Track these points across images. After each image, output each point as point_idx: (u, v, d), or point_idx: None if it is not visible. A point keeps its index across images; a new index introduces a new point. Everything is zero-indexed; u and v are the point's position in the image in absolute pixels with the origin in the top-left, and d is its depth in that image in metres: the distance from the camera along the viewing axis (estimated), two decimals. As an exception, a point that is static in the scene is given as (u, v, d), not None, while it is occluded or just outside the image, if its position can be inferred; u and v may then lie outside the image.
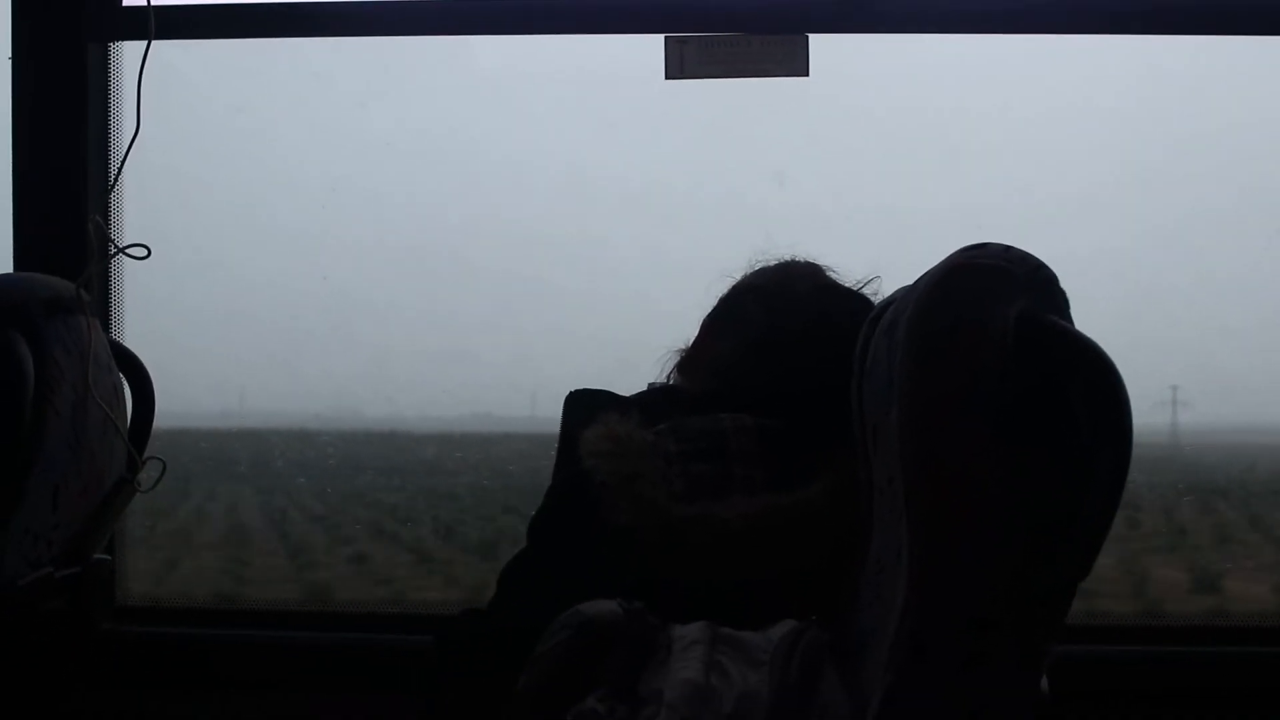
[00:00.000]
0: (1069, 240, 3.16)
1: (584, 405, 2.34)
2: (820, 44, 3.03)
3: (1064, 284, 1.93)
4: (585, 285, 3.38)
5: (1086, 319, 1.90)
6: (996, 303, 1.81)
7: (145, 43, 2.90)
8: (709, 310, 2.51)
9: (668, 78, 3.05)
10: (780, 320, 2.38)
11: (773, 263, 2.52)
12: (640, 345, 2.72)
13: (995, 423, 1.77)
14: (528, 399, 3.39)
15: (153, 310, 3.22)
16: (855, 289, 2.46)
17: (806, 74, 3.03)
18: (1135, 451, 1.76)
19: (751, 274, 2.51)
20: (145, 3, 2.95)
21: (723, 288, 2.52)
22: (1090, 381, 1.78)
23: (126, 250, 2.85)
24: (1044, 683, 1.84)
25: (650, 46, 3.06)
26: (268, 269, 3.43)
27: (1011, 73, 3.23)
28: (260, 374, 3.52)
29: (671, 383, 2.51)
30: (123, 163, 2.94)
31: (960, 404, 1.78)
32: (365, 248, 3.41)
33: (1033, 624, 1.79)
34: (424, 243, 3.40)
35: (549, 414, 2.47)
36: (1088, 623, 3.06)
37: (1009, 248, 1.89)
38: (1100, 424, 1.76)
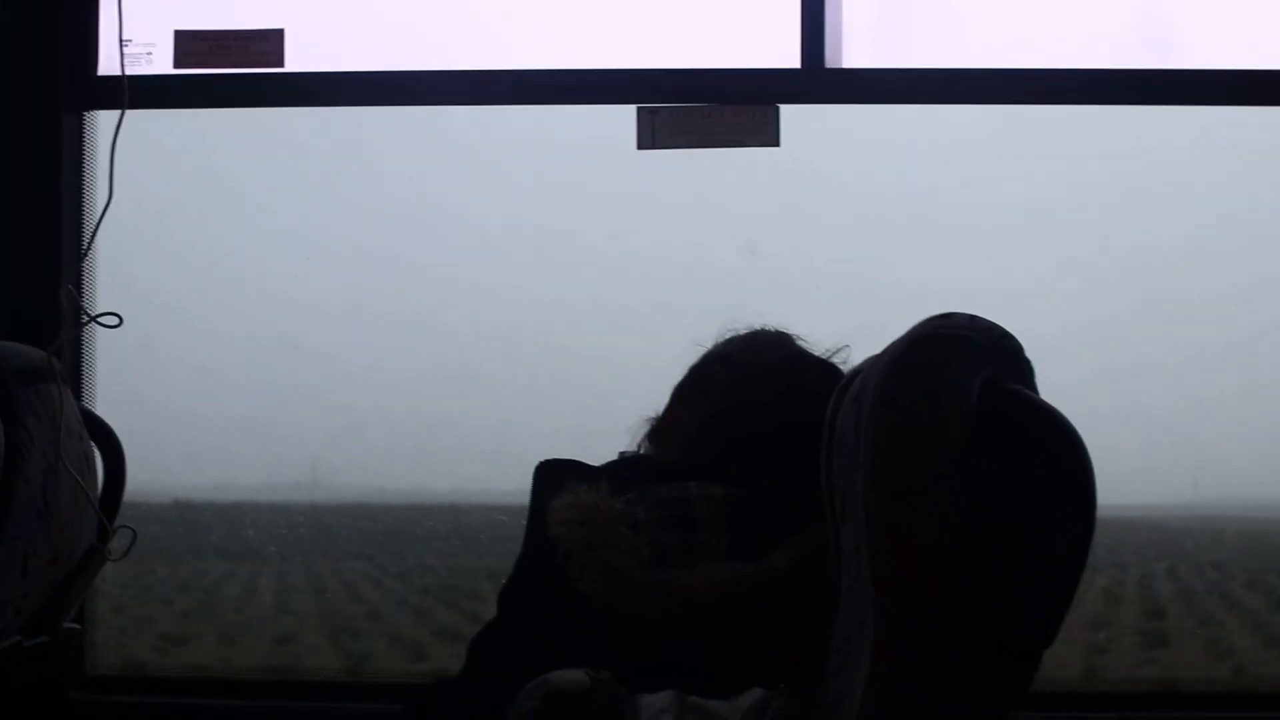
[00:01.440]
0: (1040, 312, 3.18)
1: (553, 474, 2.34)
2: (790, 114, 3.05)
3: (1030, 355, 1.95)
4: (557, 351, 3.38)
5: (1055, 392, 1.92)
6: (962, 372, 1.83)
7: (119, 112, 2.91)
8: (679, 379, 2.52)
9: (640, 148, 3.07)
10: (749, 389, 2.39)
11: (742, 332, 2.53)
12: (610, 411, 2.72)
13: (960, 491, 1.78)
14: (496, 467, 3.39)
15: (125, 378, 3.22)
16: (825, 358, 2.46)
17: (777, 144, 3.05)
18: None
19: (721, 343, 2.52)
20: (120, 73, 2.97)
21: (693, 357, 2.52)
22: (1054, 450, 1.79)
23: (99, 319, 2.86)
24: (1009, 749, 1.85)
25: (623, 116, 3.08)
26: (241, 336, 3.43)
27: (983, 143, 3.26)
28: (234, 441, 3.51)
29: (641, 451, 2.52)
30: (95, 231, 2.95)
31: (926, 472, 1.79)
32: (338, 314, 3.42)
33: (998, 690, 1.79)
34: (395, 308, 3.41)
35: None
36: (1051, 690, 3.05)
37: (974, 317, 1.90)
38: (1064, 492, 1.77)
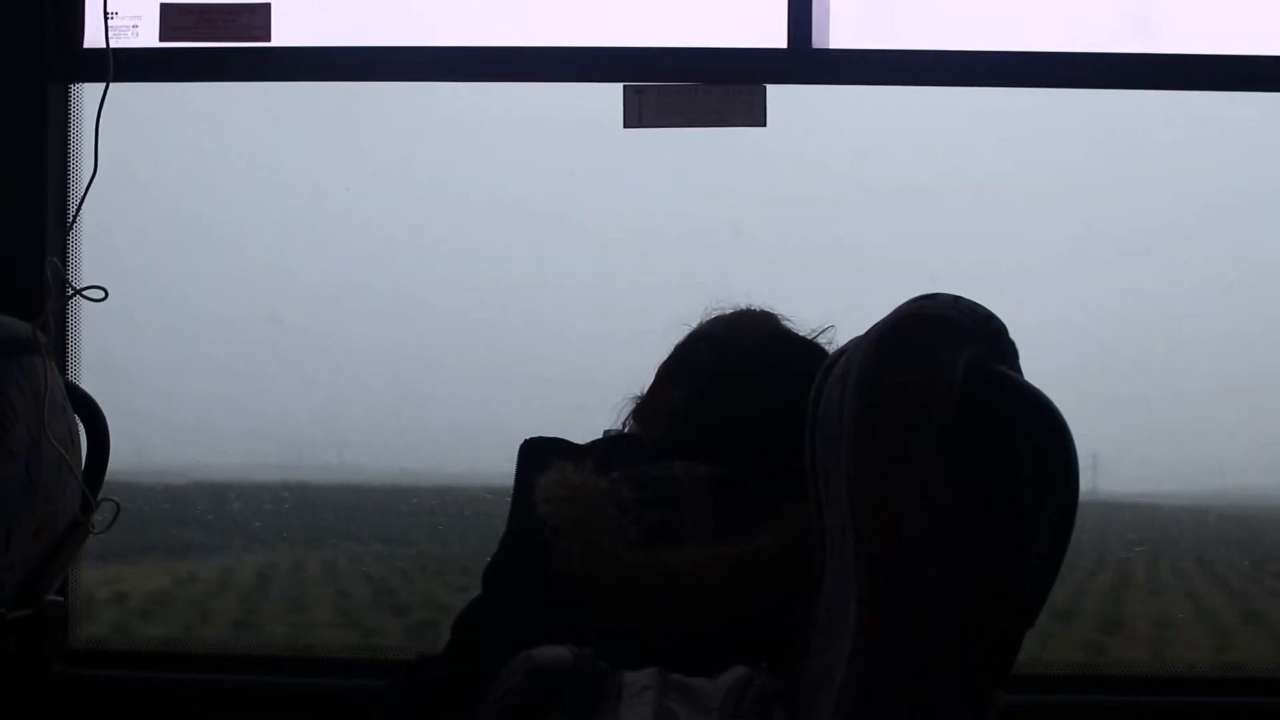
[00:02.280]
0: (1025, 297, 3.18)
1: (538, 453, 2.34)
2: (777, 94, 3.05)
3: (1015, 339, 1.95)
4: (541, 330, 3.38)
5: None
6: (945, 352, 1.83)
7: (104, 85, 2.90)
8: (664, 358, 2.52)
9: (626, 126, 3.06)
10: (734, 369, 2.39)
11: (728, 311, 2.53)
12: (595, 391, 2.72)
13: (943, 472, 1.78)
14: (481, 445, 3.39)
15: (110, 352, 3.22)
16: (810, 338, 2.47)
17: (764, 124, 3.05)
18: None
19: (706, 322, 2.52)
20: (105, 45, 2.96)
21: (678, 336, 2.53)
22: (1037, 432, 1.80)
23: (84, 292, 2.85)
24: (990, 730, 1.86)
25: (609, 95, 3.08)
26: (225, 310, 3.43)
27: (969, 126, 3.26)
28: (217, 418, 3.51)
29: (626, 430, 2.52)
30: (80, 204, 2.95)
31: (908, 453, 1.79)
32: (322, 290, 3.41)
33: (979, 671, 1.80)
34: (380, 285, 3.41)
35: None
36: (1035, 671, 3.07)
37: (958, 298, 1.91)
38: (1046, 474, 1.78)
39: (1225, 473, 3.47)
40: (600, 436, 2.49)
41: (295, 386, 3.45)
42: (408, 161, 3.39)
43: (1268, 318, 3.29)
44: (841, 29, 3.07)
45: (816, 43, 3.06)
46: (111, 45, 2.97)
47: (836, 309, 2.48)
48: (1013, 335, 1.94)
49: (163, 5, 3.12)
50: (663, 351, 2.52)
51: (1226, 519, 3.74)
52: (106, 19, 2.98)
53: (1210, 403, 3.38)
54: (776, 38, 3.07)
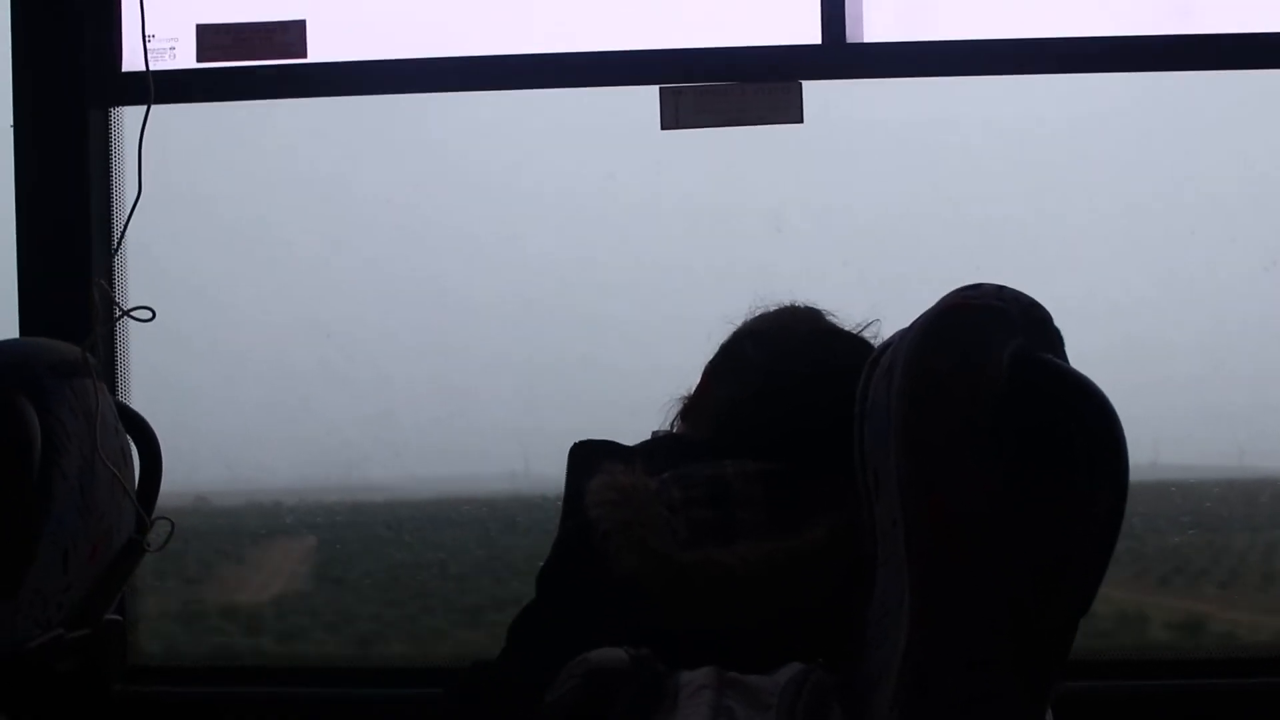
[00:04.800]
0: (1069, 282, 3.17)
1: (588, 455, 2.35)
2: (813, 90, 3.05)
3: (1060, 324, 1.95)
4: (584, 333, 3.39)
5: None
6: (991, 342, 1.83)
7: (145, 107, 2.92)
8: (710, 357, 2.53)
9: (663, 128, 3.07)
10: (781, 365, 2.40)
11: (772, 308, 2.53)
12: (641, 393, 2.73)
13: (992, 462, 1.78)
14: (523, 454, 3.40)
15: (158, 372, 3.24)
16: (855, 332, 2.47)
17: (801, 121, 3.06)
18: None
19: (751, 320, 2.53)
20: (144, 68, 2.98)
21: (723, 334, 2.53)
22: (1086, 418, 1.79)
23: (131, 313, 2.87)
24: (1049, 718, 1.86)
25: (646, 96, 3.09)
26: (272, 325, 3.45)
27: (1007, 114, 3.25)
28: (263, 434, 3.52)
29: (675, 430, 2.53)
30: (125, 226, 2.96)
31: (957, 444, 1.79)
32: (368, 300, 3.43)
33: (1035, 660, 1.79)
34: (423, 296, 3.42)
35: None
36: (1095, 658, 3.06)
37: (1002, 287, 1.91)
38: (1097, 460, 1.78)
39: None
40: (649, 437, 2.49)
41: (345, 398, 3.47)
42: (446, 170, 3.40)
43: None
44: (875, 22, 3.07)
45: (851, 37, 3.06)
46: (150, 68, 2.99)
47: (880, 302, 2.48)
48: (1057, 320, 1.94)
49: (199, 26, 3.14)
50: (707, 350, 2.52)
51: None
52: (145, 41, 2.99)
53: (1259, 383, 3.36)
54: (811, 34, 3.07)
